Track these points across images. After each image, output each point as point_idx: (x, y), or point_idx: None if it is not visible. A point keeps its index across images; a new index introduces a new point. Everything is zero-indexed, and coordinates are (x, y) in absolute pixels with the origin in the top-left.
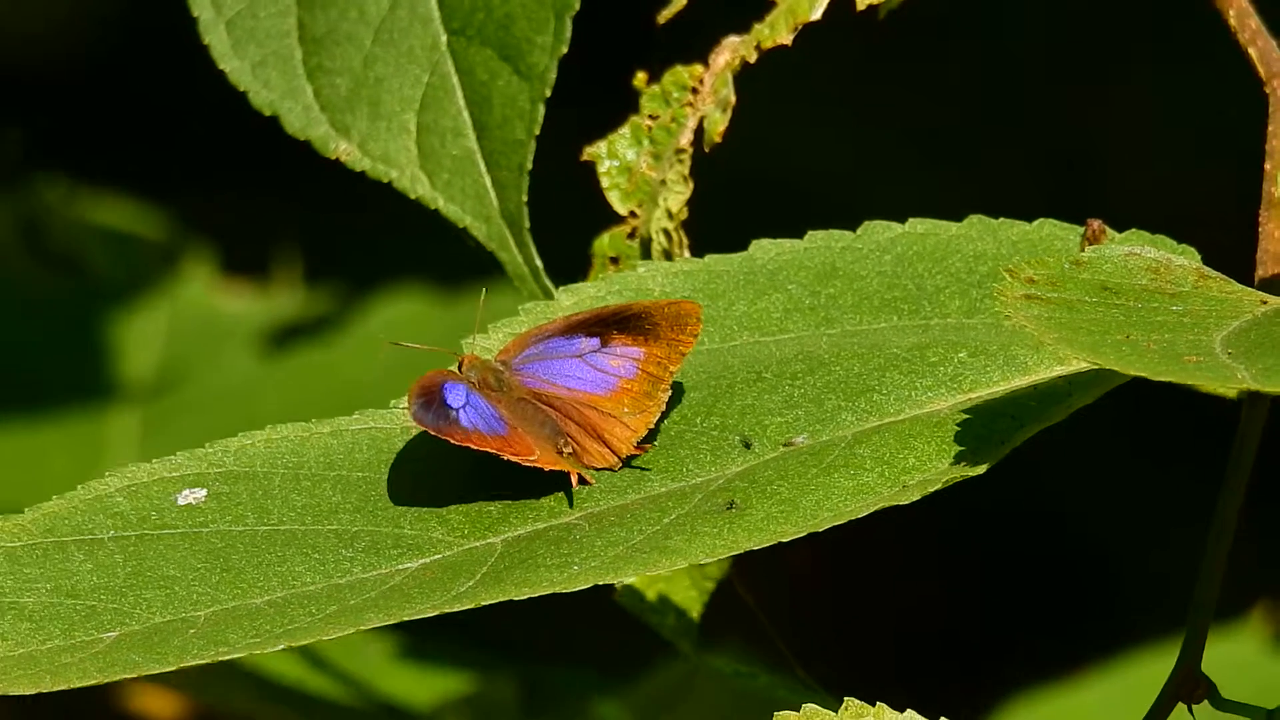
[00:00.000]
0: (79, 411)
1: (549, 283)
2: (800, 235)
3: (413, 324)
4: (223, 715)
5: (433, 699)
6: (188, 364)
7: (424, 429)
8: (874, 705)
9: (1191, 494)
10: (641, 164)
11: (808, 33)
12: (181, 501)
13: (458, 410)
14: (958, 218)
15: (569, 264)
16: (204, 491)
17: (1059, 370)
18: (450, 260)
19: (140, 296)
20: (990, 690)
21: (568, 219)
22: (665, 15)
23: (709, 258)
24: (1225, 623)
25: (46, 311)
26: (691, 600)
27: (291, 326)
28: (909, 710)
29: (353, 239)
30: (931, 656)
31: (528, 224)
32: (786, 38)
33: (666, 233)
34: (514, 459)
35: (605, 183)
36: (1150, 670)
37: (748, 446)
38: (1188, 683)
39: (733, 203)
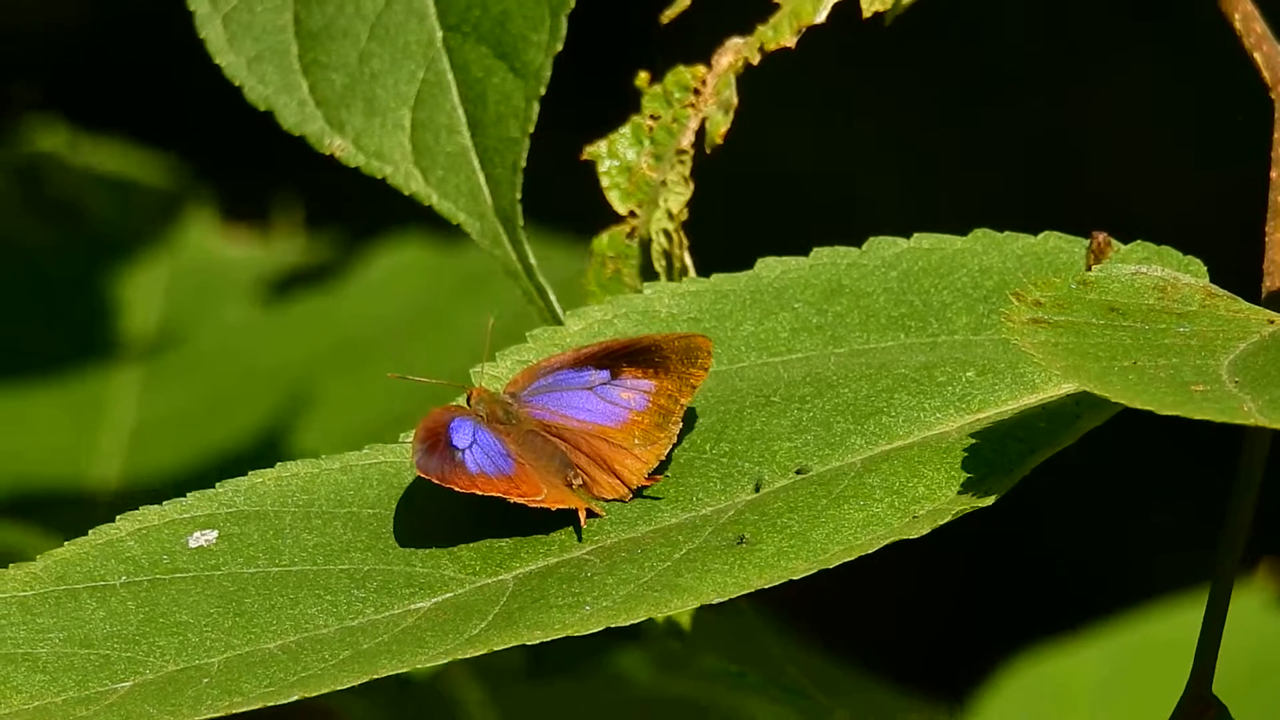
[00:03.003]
0: (80, 364)
1: (542, 280)
2: (801, 237)
3: (414, 271)
4: None
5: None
6: (189, 313)
7: (427, 477)
8: None
9: (1188, 488)
10: (642, 164)
11: (809, 32)
12: (193, 544)
13: (463, 451)
14: (960, 219)
15: (568, 262)
16: (215, 533)
17: (1067, 388)
18: None
19: (141, 244)
20: (975, 675)
21: (567, 217)
22: (668, 15)
23: (715, 277)
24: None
25: (46, 263)
26: None
27: (293, 274)
28: None
29: (353, 185)
30: (917, 644)
31: (521, 221)
32: (790, 40)
33: (667, 233)
34: (521, 500)
35: (605, 182)
36: (1138, 635)
37: (758, 489)
38: (1198, 704)
39: (733, 202)
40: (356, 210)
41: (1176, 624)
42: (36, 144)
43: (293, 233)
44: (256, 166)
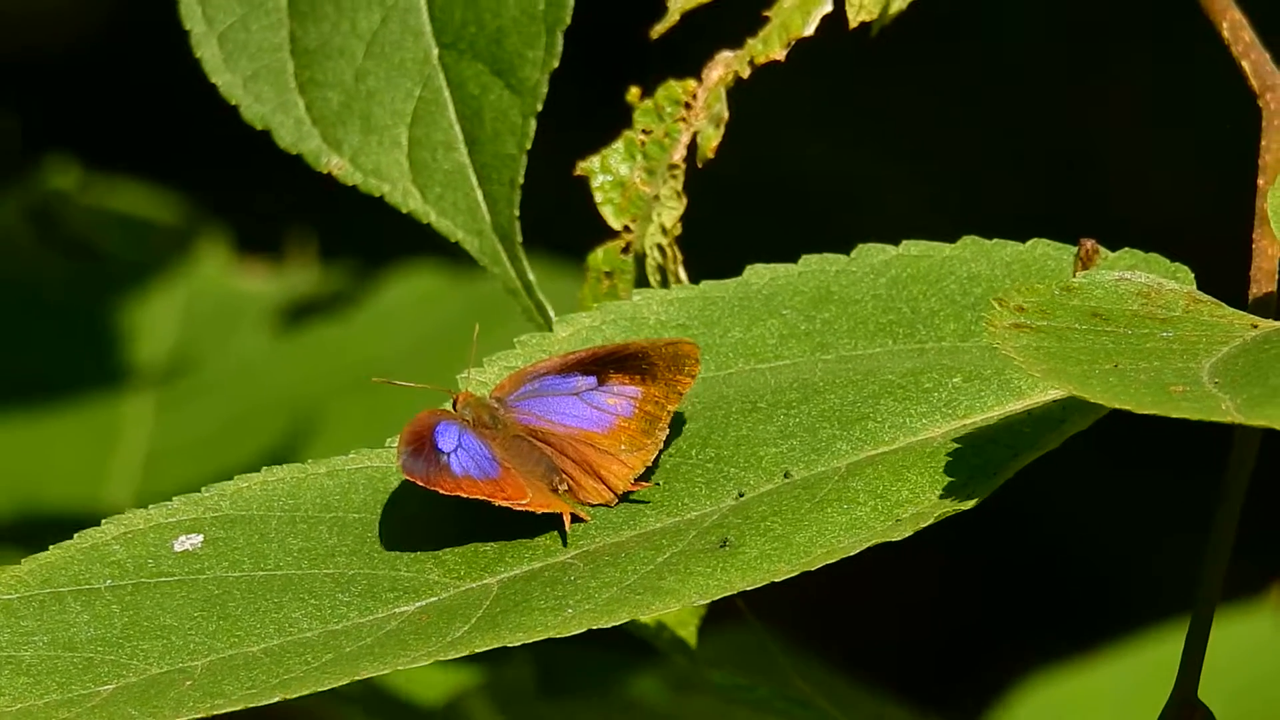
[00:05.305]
0: (94, 397)
1: (542, 297)
2: (799, 240)
3: (426, 300)
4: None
5: (449, 687)
6: (203, 345)
7: (413, 479)
8: None
9: (1190, 494)
10: (635, 179)
11: (803, 38)
12: (178, 548)
13: (449, 454)
14: (957, 221)
15: (564, 278)
16: (200, 537)
17: (1053, 394)
18: None
19: (155, 280)
20: (989, 693)
21: (563, 233)
22: (658, 29)
23: (704, 284)
24: (1238, 604)
25: (61, 297)
26: (686, 617)
27: (306, 305)
28: None
29: (366, 216)
30: (931, 661)
31: (519, 238)
32: (780, 53)
33: (660, 248)
34: (506, 504)
35: (599, 198)
36: (1155, 654)
37: (740, 496)
38: (1185, 710)
39: (730, 205)
40: (368, 240)
41: None
42: (49, 183)
43: (306, 264)
44: (269, 199)
